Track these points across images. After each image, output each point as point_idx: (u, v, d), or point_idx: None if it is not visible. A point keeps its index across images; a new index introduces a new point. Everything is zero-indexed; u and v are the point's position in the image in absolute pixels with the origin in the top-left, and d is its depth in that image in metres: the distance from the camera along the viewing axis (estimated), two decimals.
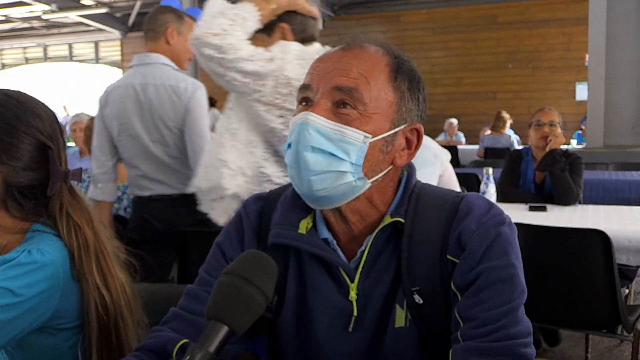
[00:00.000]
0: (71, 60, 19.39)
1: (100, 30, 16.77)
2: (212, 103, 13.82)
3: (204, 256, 1.36)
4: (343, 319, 1.23)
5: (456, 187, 3.29)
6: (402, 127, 1.21)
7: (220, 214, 2.30)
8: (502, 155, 7.82)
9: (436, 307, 1.18)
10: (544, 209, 3.85)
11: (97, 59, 18.87)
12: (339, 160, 1.15)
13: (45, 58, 19.68)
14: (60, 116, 15.66)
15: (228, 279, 0.99)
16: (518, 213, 3.74)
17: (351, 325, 1.22)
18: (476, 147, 10.26)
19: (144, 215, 3.05)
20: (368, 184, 1.19)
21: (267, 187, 2.10)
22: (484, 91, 13.81)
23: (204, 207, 2.36)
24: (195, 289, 1.30)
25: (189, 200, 2.71)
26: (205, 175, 2.31)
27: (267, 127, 2.15)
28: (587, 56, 8.35)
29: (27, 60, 20.13)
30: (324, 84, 1.18)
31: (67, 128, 6.54)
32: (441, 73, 13.76)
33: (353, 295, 1.22)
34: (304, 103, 1.21)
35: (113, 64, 18.49)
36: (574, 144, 11.07)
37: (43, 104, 1.45)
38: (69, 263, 1.37)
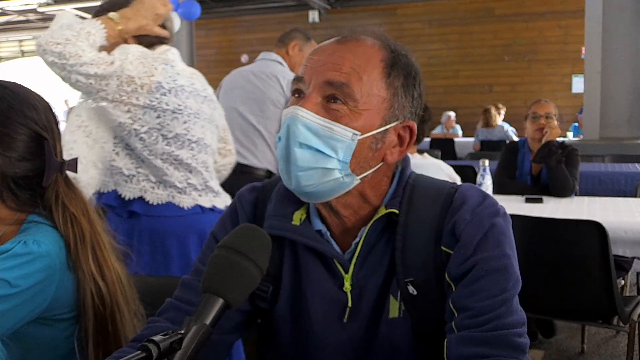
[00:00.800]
0: None
1: None
2: None
3: None
4: (338, 309, 1.23)
5: None
6: (393, 124, 1.20)
7: None
8: (497, 148, 7.85)
9: (430, 298, 1.18)
10: (540, 200, 3.86)
11: None
12: (326, 157, 1.14)
13: None
14: (62, 110, 15.62)
15: (222, 252, 0.99)
16: (514, 205, 3.74)
17: (346, 316, 1.22)
18: (472, 139, 10.27)
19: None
20: (357, 180, 1.18)
21: (119, 179, 2.27)
22: (480, 84, 13.80)
23: None
24: (190, 279, 1.30)
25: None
26: None
27: (116, 123, 2.22)
28: (583, 49, 8.37)
29: (23, 53, 20.08)
30: (316, 77, 1.17)
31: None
32: (438, 66, 13.75)
33: (347, 286, 1.22)
34: (296, 95, 1.20)
35: None
36: (570, 136, 11.08)
37: (38, 95, 1.44)
38: (65, 254, 1.37)
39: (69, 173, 1.47)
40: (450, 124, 12.01)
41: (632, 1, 7.46)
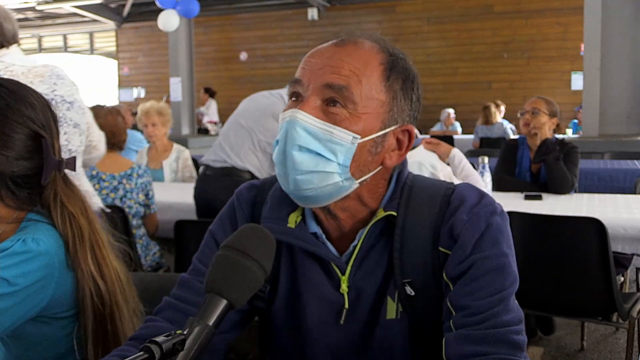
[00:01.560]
0: (66, 51, 19.32)
1: (94, 21, 16.72)
2: (212, 94, 13.90)
3: None
4: (334, 311, 1.23)
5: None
6: (392, 127, 1.20)
7: None
8: (497, 145, 7.85)
9: (428, 299, 1.18)
10: (539, 197, 3.86)
11: (91, 50, 18.81)
12: (326, 160, 1.13)
13: (40, 49, 19.61)
14: None
15: (226, 252, 0.98)
16: (514, 202, 3.74)
17: (342, 318, 1.22)
18: (472, 136, 10.27)
19: None
20: (356, 184, 1.17)
21: None
22: (479, 81, 13.80)
23: None
24: (188, 278, 1.29)
25: None
26: None
27: None
28: (582, 45, 8.35)
29: (21, 52, 20.04)
30: (314, 80, 1.16)
31: None
32: (436, 63, 13.75)
33: (344, 288, 1.22)
34: (293, 98, 1.19)
35: (108, 54, 18.44)
36: (569, 133, 11.08)
37: (36, 93, 1.44)
38: (64, 252, 1.37)
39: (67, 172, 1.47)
40: (450, 122, 12.01)
41: None
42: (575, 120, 11.66)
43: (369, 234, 1.21)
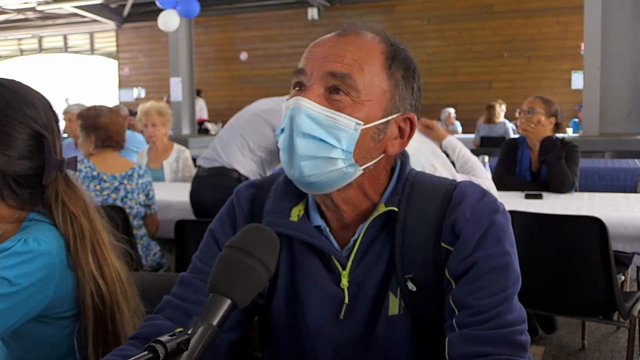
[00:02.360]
0: (66, 51, 19.35)
1: (95, 21, 16.73)
2: (198, 93, 13.92)
3: None
4: (334, 306, 1.23)
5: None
6: (395, 115, 1.20)
7: None
8: (497, 144, 7.85)
9: (429, 294, 1.18)
10: (540, 196, 3.86)
11: (92, 50, 18.83)
12: (330, 146, 1.14)
13: (40, 49, 19.64)
14: (62, 109, 15.62)
15: (230, 252, 0.98)
16: (514, 201, 3.74)
17: (342, 313, 1.22)
18: (472, 136, 10.27)
19: None
20: (359, 170, 1.18)
21: None
22: (479, 80, 13.81)
23: None
24: (188, 277, 1.30)
25: None
26: None
27: None
28: (582, 45, 8.35)
29: (22, 52, 20.09)
30: (317, 69, 1.17)
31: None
32: (437, 62, 13.76)
33: (345, 282, 1.22)
34: (297, 88, 1.20)
35: (108, 55, 18.46)
36: (570, 132, 11.08)
37: (38, 93, 1.44)
38: (65, 252, 1.37)
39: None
40: (450, 121, 12.02)
41: None
42: (576, 120, 11.66)
43: (370, 228, 1.21)
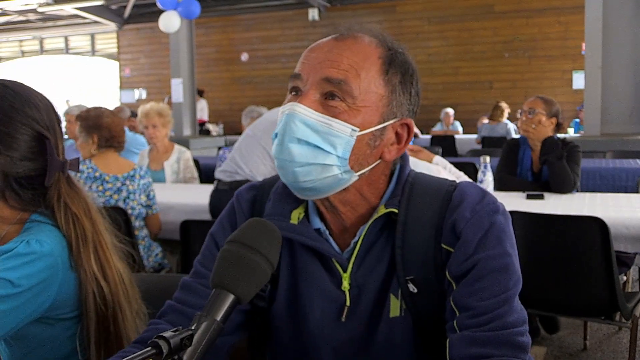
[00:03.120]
0: (67, 52, 19.36)
1: (96, 22, 16.73)
2: (200, 93, 13.95)
3: None
4: (336, 308, 1.23)
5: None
6: (391, 121, 1.20)
7: None
8: (499, 145, 7.85)
9: (431, 296, 1.18)
10: (541, 197, 3.86)
11: (93, 52, 18.83)
12: (325, 152, 1.13)
13: (42, 51, 19.65)
14: (63, 110, 15.63)
15: (232, 247, 0.98)
16: (515, 201, 3.74)
17: (344, 315, 1.22)
18: (473, 136, 10.27)
19: None
20: (355, 176, 1.18)
21: None
22: (480, 80, 13.81)
23: None
24: (190, 281, 1.29)
25: None
26: None
27: None
28: (583, 44, 8.35)
29: (23, 54, 20.10)
30: (313, 74, 1.16)
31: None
32: (437, 63, 13.76)
33: (346, 285, 1.22)
34: (293, 92, 1.20)
35: (109, 56, 18.46)
36: (571, 132, 11.07)
37: (40, 94, 1.44)
38: (67, 253, 1.37)
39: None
40: (448, 121, 12.01)
41: None
42: (577, 120, 11.66)
43: (370, 231, 1.21)
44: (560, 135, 4.30)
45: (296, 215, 1.25)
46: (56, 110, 1.47)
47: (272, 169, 3.68)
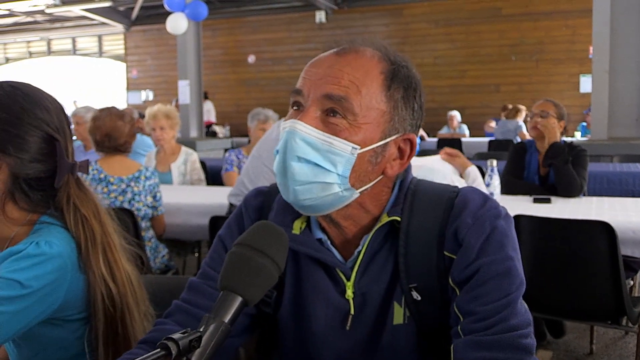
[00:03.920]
0: (74, 54, 19.42)
1: (103, 24, 16.77)
2: (206, 96, 14.01)
3: None
4: (340, 317, 1.23)
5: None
6: (393, 137, 1.19)
7: None
8: (506, 148, 7.86)
9: (434, 303, 1.18)
10: (548, 200, 3.85)
11: (100, 53, 18.88)
12: (325, 171, 1.13)
13: (49, 52, 19.72)
14: (70, 111, 15.68)
15: (239, 249, 0.98)
16: (522, 205, 3.73)
17: (348, 324, 1.22)
18: (480, 139, 10.27)
19: None
20: (356, 194, 1.17)
21: None
22: (487, 83, 13.78)
23: None
24: (197, 282, 1.30)
25: None
26: None
27: None
28: (591, 48, 8.32)
29: (30, 55, 20.17)
30: (314, 90, 1.15)
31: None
32: (444, 65, 13.74)
33: (349, 293, 1.22)
34: (295, 107, 1.19)
35: (116, 57, 18.51)
36: (578, 136, 11.04)
37: (50, 96, 1.45)
38: (76, 255, 1.38)
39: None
40: (453, 123, 12.00)
41: None
42: (584, 123, 11.62)
43: (373, 240, 1.21)
44: (567, 139, 4.29)
45: (298, 225, 1.25)
46: (65, 112, 1.48)
47: None
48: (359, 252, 1.22)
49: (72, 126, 5.69)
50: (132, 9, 15.89)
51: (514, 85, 13.54)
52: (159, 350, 0.83)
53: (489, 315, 1.08)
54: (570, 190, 3.96)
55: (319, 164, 1.13)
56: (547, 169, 4.19)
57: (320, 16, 14.92)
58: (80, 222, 1.40)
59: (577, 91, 12.77)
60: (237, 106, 15.71)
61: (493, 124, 11.77)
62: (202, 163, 5.67)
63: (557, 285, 3.00)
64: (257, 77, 15.92)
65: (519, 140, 8.76)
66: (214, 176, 5.89)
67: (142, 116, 7.65)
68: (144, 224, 3.74)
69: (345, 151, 1.13)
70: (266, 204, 1.34)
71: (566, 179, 3.95)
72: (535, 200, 3.87)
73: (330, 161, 1.13)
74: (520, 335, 1.07)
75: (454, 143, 9.90)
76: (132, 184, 3.68)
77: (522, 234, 2.87)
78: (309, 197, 1.14)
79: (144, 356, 0.82)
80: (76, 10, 14.83)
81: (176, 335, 0.85)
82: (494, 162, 3.70)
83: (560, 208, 3.65)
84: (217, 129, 13.92)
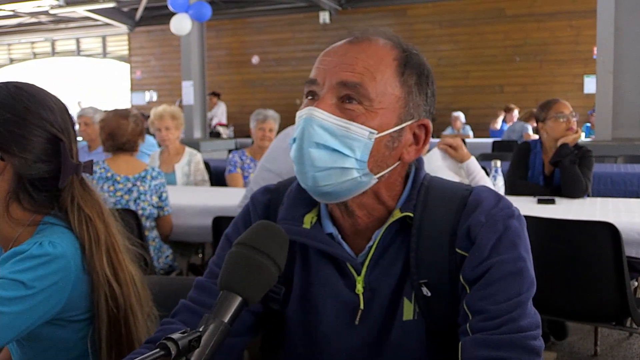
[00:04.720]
0: (79, 54, 19.44)
1: (107, 24, 16.79)
2: (218, 96, 14.02)
3: None
4: (349, 311, 1.23)
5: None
6: (409, 122, 1.20)
7: None
8: (509, 149, 7.86)
9: (444, 300, 1.18)
10: (552, 201, 3.84)
11: (104, 54, 18.91)
12: (344, 156, 1.14)
13: (53, 53, 19.74)
14: (75, 112, 15.71)
15: (239, 249, 0.99)
16: (526, 206, 3.72)
17: (357, 319, 1.22)
18: (484, 140, 10.26)
19: None
20: (374, 179, 1.18)
21: None
22: (491, 84, 13.76)
23: None
24: (204, 281, 1.30)
25: None
26: None
27: None
28: (595, 49, 8.31)
29: (35, 55, 20.20)
30: (329, 78, 1.16)
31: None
32: (448, 66, 13.73)
33: (359, 288, 1.22)
34: (310, 97, 1.20)
35: (120, 58, 18.53)
36: (582, 136, 11.02)
37: (54, 96, 1.45)
38: (80, 255, 1.38)
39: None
40: (457, 124, 11.99)
41: None
42: (588, 124, 11.60)
43: (385, 234, 1.21)
44: None
45: (309, 220, 1.25)
46: (70, 112, 1.48)
47: None
48: (370, 247, 1.22)
49: (78, 127, 5.70)
50: (136, 9, 15.91)
51: (517, 86, 13.52)
52: (158, 350, 0.84)
53: (498, 314, 1.09)
54: (575, 191, 3.95)
55: (337, 150, 1.13)
56: (552, 169, 4.17)
57: (324, 17, 14.92)
58: (84, 222, 1.41)
59: (581, 92, 12.75)
60: (241, 107, 15.70)
61: (498, 124, 11.78)
62: (206, 164, 5.67)
63: (561, 286, 2.99)
64: (261, 77, 15.92)
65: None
66: (217, 177, 5.89)
67: (146, 117, 7.65)
68: (148, 224, 3.74)
69: (363, 136, 1.14)
70: (274, 201, 1.35)
71: (572, 178, 3.95)
72: (540, 201, 3.86)
73: (349, 146, 1.13)
74: (529, 336, 1.07)
75: None
76: (139, 183, 3.69)
77: None
78: (328, 183, 1.15)
79: (143, 356, 0.82)
80: (80, 11, 14.85)
81: (175, 335, 0.85)
82: (498, 163, 3.70)
83: (565, 209, 3.64)
84: (220, 129, 13.92)
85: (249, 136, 9.76)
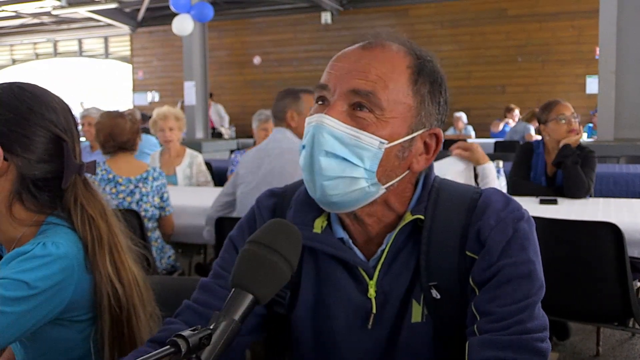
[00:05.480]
0: (81, 55, 19.47)
1: (109, 25, 16.81)
2: (210, 96, 14.06)
3: None
4: (361, 316, 1.22)
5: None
6: (420, 131, 1.18)
7: None
8: (511, 149, 7.85)
9: (453, 302, 1.18)
10: (554, 202, 3.84)
11: (106, 54, 18.93)
12: (353, 165, 1.12)
13: (55, 53, 19.76)
14: (78, 112, 15.70)
15: (252, 247, 0.97)
16: (529, 206, 3.65)
17: (370, 323, 1.21)
18: (485, 140, 10.26)
19: None
20: (382, 189, 1.17)
21: None
22: (493, 85, 13.75)
23: None
24: (208, 282, 1.30)
25: None
26: None
27: None
28: (597, 49, 8.30)
29: (37, 56, 20.22)
30: (341, 85, 1.15)
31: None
32: (450, 67, 13.69)
33: (372, 292, 1.21)
34: (320, 102, 1.18)
35: (122, 59, 18.54)
36: (584, 137, 11.01)
37: (57, 97, 1.45)
38: (83, 255, 1.38)
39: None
40: (459, 125, 11.98)
41: None
42: (590, 124, 11.60)
43: (397, 238, 1.20)
44: None
45: (319, 224, 1.25)
46: (73, 113, 1.48)
47: None
48: (382, 251, 1.21)
49: (82, 127, 5.71)
50: (138, 10, 15.92)
51: (519, 87, 13.51)
52: (168, 347, 0.83)
53: (506, 316, 1.09)
54: (577, 191, 3.94)
55: (346, 159, 1.12)
56: (554, 169, 4.17)
57: (326, 17, 14.91)
58: (87, 222, 1.41)
59: (584, 92, 12.73)
60: (242, 107, 15.70)
61: (501, 125, 11.77)
62: (208, 164, 5.67)
63: (563, 286, 2.99)
64: (263, 78, 15.92)
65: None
66: (219, 177, 5.88)
67: (146, 118, 7.64)
68: (150, 225, 3.74)
69: (373, 145, 1.12)
70: (279, 205, 1.34)
71: (574, 179, 3.94)
72: (542, 202, 3.86)
73: (358, 156, 1.12)
74: (536, 338, 1.07)
75: None
76: (140, 184, 3.69)
77: None
78: (336, 192, 1.14)
79: (153, 353, 0.81)
80: (82, 11, 14.87)
81: (186, 333, 0.84)
82: (500, 163, 3.68)
83: (567, 209, 3.64)
84: (222, 130, 13.93)
85: (250, 136, 9.77)
